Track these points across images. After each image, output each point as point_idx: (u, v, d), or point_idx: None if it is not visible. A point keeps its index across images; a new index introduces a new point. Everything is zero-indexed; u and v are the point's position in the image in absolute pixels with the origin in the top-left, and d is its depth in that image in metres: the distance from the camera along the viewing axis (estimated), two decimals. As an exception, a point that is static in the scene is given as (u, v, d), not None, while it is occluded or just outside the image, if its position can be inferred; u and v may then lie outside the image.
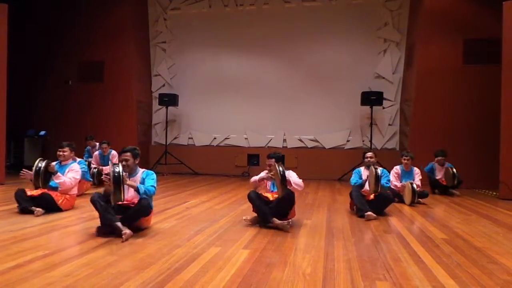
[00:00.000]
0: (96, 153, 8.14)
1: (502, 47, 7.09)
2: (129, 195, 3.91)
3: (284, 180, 4.06)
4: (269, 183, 4.58)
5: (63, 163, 5.14)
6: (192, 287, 2.42)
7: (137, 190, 3.79)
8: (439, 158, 7.47)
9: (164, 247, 3.33)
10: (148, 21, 11.57)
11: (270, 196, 4.34)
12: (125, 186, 3.65)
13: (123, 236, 3.46)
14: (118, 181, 3.48)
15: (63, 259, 2.94)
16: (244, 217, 4.45)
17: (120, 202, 3.63)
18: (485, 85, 8.43)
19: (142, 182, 3.95)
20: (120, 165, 3.64)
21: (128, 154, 3.95)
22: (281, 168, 4.10)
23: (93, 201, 3.70)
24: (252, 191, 4.34)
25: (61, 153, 5.13)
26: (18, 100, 9.90)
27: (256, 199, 4.26)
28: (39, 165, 4.69)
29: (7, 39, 7.62)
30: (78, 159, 6.63)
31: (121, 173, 3.50)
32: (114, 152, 8.15)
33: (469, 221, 4.86)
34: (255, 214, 4.34)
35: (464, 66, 8.85)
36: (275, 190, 4.40)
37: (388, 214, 5.14)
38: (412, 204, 6.04)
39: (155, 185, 3.97)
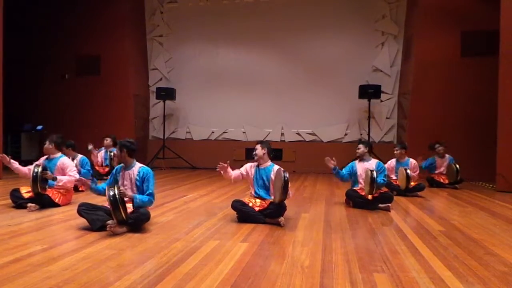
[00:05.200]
0: (101, 152, 7.66)
1: (499, 39, 7.08)
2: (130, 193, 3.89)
3: (286, 187, 3.87)
4: (254, 185, 4.35)
5: (52, 156, 4.97)
6: (191, 280, 2.43)
7: (132, 200, 3.75)
8: (439, 148, 7.41)
9: (163, 240, 3.34)
10: (144, 14, 11.48)
11: (257, 202, 4.17)
12: (125, 204, 3.58)
13: (108, 228, 3.45)
14: (115, 204, 3.45)
15: (61, 253, 2.94)
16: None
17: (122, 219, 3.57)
18: (482, 77, 8.43)
19: (140, 182, 3.87)
20: (115, 187, 3.54)
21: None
22: (286, 175, 3.91)
23: (79, 213, 3.71)
24: (235, 201, 4.21)
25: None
26: (15, 94, 9.84)
27: (242, 207, 4.12)
28: (35, 170, 4.48)
29: (3, 33, 7.55)
30: (81, 156, 6.41)
31: (116, 196, 3.46)
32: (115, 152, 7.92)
33: (466, 213, 4.89)
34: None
35: (462, 58, 8.85)
36: (261, 195, 4.25)
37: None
38: (407, 189, 6.08)
39: (153, 192, 3.89)
